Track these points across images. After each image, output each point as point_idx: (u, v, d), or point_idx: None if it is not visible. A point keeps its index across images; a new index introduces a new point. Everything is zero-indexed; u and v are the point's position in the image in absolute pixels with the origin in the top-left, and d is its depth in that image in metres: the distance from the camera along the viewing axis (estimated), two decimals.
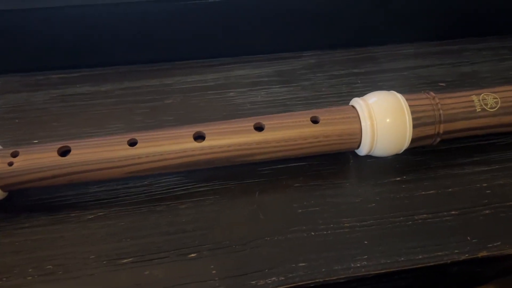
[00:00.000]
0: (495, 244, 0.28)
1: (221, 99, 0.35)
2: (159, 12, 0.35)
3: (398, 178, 0.31)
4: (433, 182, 0.31)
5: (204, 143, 0.27)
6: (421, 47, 0.40)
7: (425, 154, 0.32)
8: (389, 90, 0.31)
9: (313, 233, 0.28)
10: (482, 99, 0.31)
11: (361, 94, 0.37)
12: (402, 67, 0.38)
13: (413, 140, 0.30)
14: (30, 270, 0.26)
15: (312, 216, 0.29)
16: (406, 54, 0.39)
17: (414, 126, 0.29)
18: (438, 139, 0.31)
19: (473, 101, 0.31)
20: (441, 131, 0.30)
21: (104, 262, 0.26)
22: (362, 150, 0.30)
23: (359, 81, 0.37)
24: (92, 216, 0.28)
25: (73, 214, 0.28)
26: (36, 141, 0.32)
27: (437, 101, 0.30)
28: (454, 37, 0.41)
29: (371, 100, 0.29)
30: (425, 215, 0.29)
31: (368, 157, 0.31)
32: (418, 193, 0.30)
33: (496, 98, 0.31)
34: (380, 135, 0.29)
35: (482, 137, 0.33)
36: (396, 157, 0.31)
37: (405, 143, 0.30)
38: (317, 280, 0.26)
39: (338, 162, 0.31)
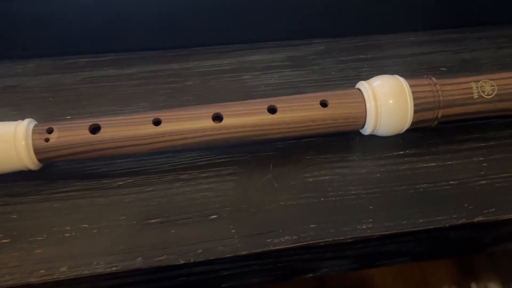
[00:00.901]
0: (490, 210, 0.30)
1: (236, 82, 0.38)
2: (179, 2, 0.38)
3: (401, 152, 0.33)
4: (433, 156, 0.33)
5: (222, 124, 0.30)
6: (423, 36, 0.42)
7: (426, 132, 0.34)
8: (393, 75, 0.33)
9: (322, 199, 0.31)
10: (480, 86, 0.33)
11: (367, 77, 0.39)
12: (405, 53, 0.41)
13: (413, 123, 0.32)
14: (67, 228, 0.29)
15: (321, 185, 0.31)
16: (410, 42, 0.42)
17: (415, 110, 0.32)
18: (436, 122, 0.33)
19: (471, 88, 0.33)
20: (439, 116, 0.33)
21: (134, 222, 0.29)
22: (366, 130, 0.33)
23: (365, 66, 0.39)
24: (122, 182, 0.31)
25: (104, 181, 0.31)
26: (69, 117, 0.35)
27: (438, 87, 0.32)
28: (455, 26, 0.43)
29: (376, 83, 0.32)
30: (425, 185, 0.32)
31: (372, 135, 0.34)
32: (419, 166, 0.33)
33: (493, 86, 0.33)
34: (383, 116, 0.31)
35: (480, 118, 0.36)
36: (399, 134, 0.34)
37: (406, 124, 0.32)
38: (326, 240, 0.29)
39: (346, 138, 0.34)
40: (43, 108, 0.35)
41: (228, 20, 0.40)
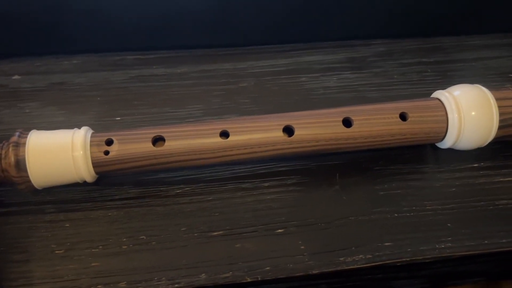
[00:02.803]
0: None
1: (293, 84, 0.36)
2: None
3: (476, 165, 0.31)
4: (511, 170, 0.31)
5: (293, 138, 0.27)
6: (490, 39, 0.40)
7: (501, 142, 0.32)
8: (473, 84, 0.31)
9: (396, 215, 0.28)
10: None
11: (431, 82, 0.37)
12: (471, 57, 0.38)
13: (496, 137, 0.29)
14: (124, 239, 0.27)
15: (394, 198, 0.29)
16: (475, 45, 0.39)
17: (501, 125, 0.29)
18: None
19: None
20: None
21: (196, 234, 0.27)
22: (446, 144, 0.30)
23: (429, 70, 0.37)
24: (180, 190, 0.29)
25: (162, 188, 0.29)
26: (119, 118, 0.33)
27: None
28: None
29: (456, 93, 0.29)
30: (505, 201, 0.29)
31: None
32: (497, 180, 0.30)
33: None
34: (466, 129, 0.29)
35: None
36: None
37: (490, 138, 0.29)
38: (403, 259, 0.26)
39: (417, 147, 0.32)
40: (92, 108, 0.33)
41: (284, 19, 0.38)
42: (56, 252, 0.26)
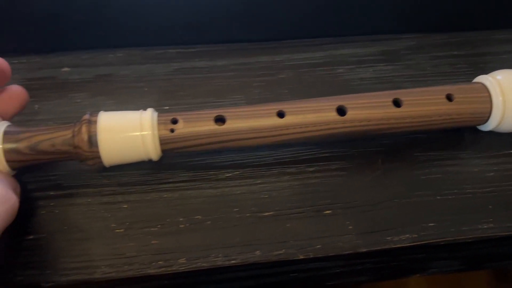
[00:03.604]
0: None
1: (330, 75, 0.37)
2: None
3: None
4: None
5: (346, 117, 0.29)
6: None
7: None
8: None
9: (438, 197, 0.30)
10: None
11: (464, 74, 0.38)
12: (500, 51, 0.40)
13: None
14: (181, 219, 0.28)
15: (434, 182, 0.30)
16: (502, 40, 0.40)
17: None
18: None
19: None
20: None
21: (248, 215, 0.28)
22: (489, 126, 0.31)
23: (461, 62, 0.38)
24: (230, 174, 0.30)
25: (212, 172, 0.30)
26: (167, 107, 0.34)
27: None
28: None
29: (499, 77, 0.30)
30: None
31: (482, 133, 0.32)
32: None
33: None
34: (509, 111, 0.30)
35: None
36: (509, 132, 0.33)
37: None
38: (447, 239, 0.28)
39: (453, 134, 0.33)
40: (139, 98, 0.35)
41: (317, 13, 0.39)
42: (116, 231, 0.28)
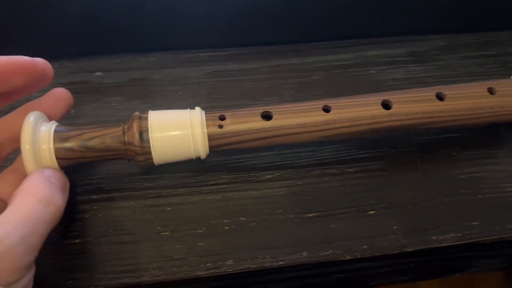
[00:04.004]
0: None
1: (362, 76, 0.37)
2: None
3: None
4: None
5: (392, 111, 0.29)
6: None
7: None
8: None
9: (479, 196, 0.30)
10: None
11: (494, 74, 0.38)
12: None
13: None
14: (225, 221, 0.28)
15: (475, 181, 0.30)
16: None
17: None
18: None
19: None
20: None
21: (292, 216, 0.29)
22: None
23: (490, 62, 0.38)
24: (270, 176, 0.30)
25: (252, 174, 0.30)
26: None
27: None
28: None
29: None
30: None
31: None
32: None
33: None
34: None
35: None
36: None
37: None
38: (492, 237, 0.28)
39: (488, 134, 0.33)
40: (174, 101, 0.35)
41: (345, 15, 0.39)
42: (162, 233, 0.28)
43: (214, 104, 0.35)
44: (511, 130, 0.33)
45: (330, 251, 0.27)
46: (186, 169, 0.31)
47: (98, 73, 0.37)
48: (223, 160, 0.31)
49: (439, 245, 0.27)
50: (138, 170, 0.31)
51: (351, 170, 0.31)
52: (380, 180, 0.30)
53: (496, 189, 0.30)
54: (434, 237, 0.28)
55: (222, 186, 0.30)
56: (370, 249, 0.27)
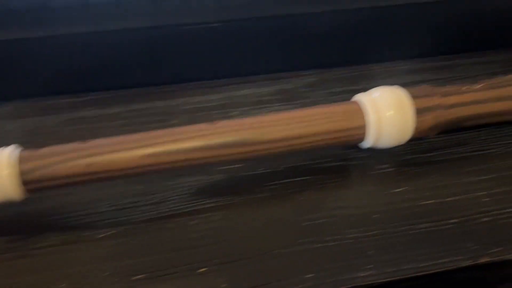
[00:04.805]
0: (495, 250, 0.29)
1: (224, 118, 0.36)
2: (163, 37, 0.36)
3: (399, 189, 0.32)
4: (432, 193, 0.32)
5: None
6: (415, 64, 0.41)
7: (424, 166, 0.33)
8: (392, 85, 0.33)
9: (319, 245, 0.29)
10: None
11: None
12: (397, 82, 0.40)
13: (415, 132, 0.32)
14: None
15: (319, 228, 0.30)
16: (402, 70, 0.41)
17: (417, 118, 0.31)
18: (437, 131, 0.33)
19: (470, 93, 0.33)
20: (441, 122, 0.32)
21: (117, 280, 0.27)
22: (368, 143, 0.32)
23: None
24: (104, 235, 0.29)
25: (85, 233, 0.29)
26: None
27: (440, 98, 0.32)
28: (447, 53, 0.42)
29: (375, 95, 0.32)
30: (426, 224, 0.30)
31: (372, 168, 0.32)
32: (418, 203, 0.31)
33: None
34: (384, 127, 0.31)
35: (481, 147, 0.34)
36: (397, 169, 0.32)
37: (408, 133, 0.32)
38: None
39: (342, 175, 0.33)
40: None
41: (215, 54, 0.39)
42: None
43: None
44: (364, 172, 0.33)
45: None
46: (13, 231, 0.29)
47: None
48: (57, 219, 0.30)
49: None
50: None
51: (192, 223, 0.30)
52: (220, 233, 0.29)
53: (338, 236, 0.29)
54: None
55: (49, 249, 0.28)
56: None
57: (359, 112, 0.31)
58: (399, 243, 0.29)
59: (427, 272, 0.28)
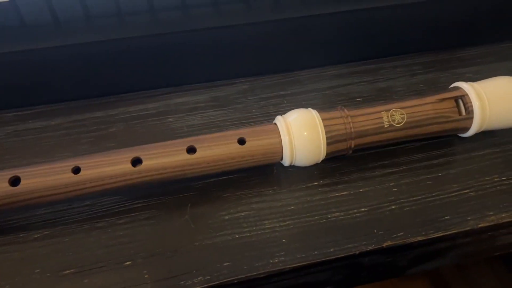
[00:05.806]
0: (398, 234, 0.31)
1: (160, 125, 0.39)
2: (102, 51, 0.39)
3: (315, 183, 0.35)
4: (346, 185, 0.34)
5: (141, 167, 0.31)
6: (342, 69, 0.44)
7: (340, 161, 0.36)
8: (308, 108, 0.35)
9: (237, 236, 0.31)
10: (391, 116, 0.34)
11: (286, 112, 0.41)
12: (324, 87, 0.43)
13: (328, 153, 0.34)
14: None
15: (237, 221, 0.32)
16: (329, 75, 0.44)
17: (328, 141, 0.33)
18: (351, 151, 0.35)
19: (382, 117, 0.34)
20: (352, 146, 0.34)
21: (48, 275, 0.29)
22: (286, 162, 0.34)
23: (285, 102, 0.41)
24: (39, 235, 0.31)
25: (21, 235, 0.31)
26: None
27: (349, 119, 0.34)
28: (372, 57, 0.46)
29: (291, 118, 0.34)
30: (337, 214, 0.33)
31: (291, 166, 0.35)
32: (332, 195, 0.34)
33: (403, 114, 0.35)
34: (298, 148, 0.33)
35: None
36: (315, 165, 0.35)
37: (321, 154, 0.34)
38: (239, 277, 0.29)
39: (264, 172, 0.35)
40: None
41: (153, 64, 0.41)
42: None
43: (3, 165, 0.36)
44: (284, 167, 0.35)
45: None
46: None
47: None
48: None
49: None
50: None
51: (121, 221, 0.32)
52: (146, 229, 0.32)
53: (255, 228, 0.32)
54: (182, 283, 0.29)
55: None
56: None
57: (275, 134, 0.33)
58: (311, 231, 0.32)
59: (333, 257, 0.31)
